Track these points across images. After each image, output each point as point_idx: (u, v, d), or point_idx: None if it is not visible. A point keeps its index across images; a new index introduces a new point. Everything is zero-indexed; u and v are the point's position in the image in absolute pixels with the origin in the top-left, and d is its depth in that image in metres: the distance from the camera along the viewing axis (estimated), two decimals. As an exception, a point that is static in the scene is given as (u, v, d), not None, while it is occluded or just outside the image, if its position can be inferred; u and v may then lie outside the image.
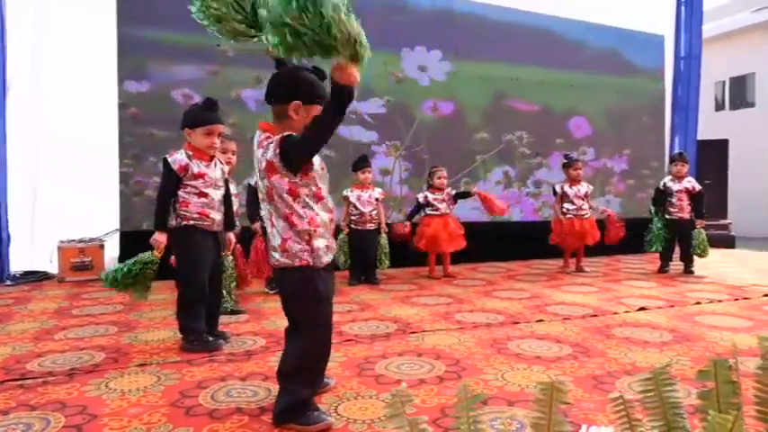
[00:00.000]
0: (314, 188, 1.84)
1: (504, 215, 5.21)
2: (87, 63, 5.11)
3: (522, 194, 6.67)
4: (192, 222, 2.70)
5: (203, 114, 2.71)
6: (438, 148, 6.13)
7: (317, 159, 1.84)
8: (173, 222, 2.70)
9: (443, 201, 5.08)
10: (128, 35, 5.00)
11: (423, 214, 5.13)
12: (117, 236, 5.09)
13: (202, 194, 2.73)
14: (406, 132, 6.04)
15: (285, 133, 1.80)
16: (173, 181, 2.68)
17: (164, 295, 4.09)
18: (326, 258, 1.85)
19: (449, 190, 5.15)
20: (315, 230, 1.82)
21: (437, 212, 5.06)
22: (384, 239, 4.82)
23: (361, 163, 4.75)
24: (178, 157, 2.69)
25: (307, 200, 1.83)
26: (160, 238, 2.65)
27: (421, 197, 5.14)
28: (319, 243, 1.83)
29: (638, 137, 7.36)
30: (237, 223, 3.80)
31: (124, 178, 4.98)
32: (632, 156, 7.30)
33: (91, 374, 2.34)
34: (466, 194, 5.16)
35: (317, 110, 1.80)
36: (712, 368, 1.00)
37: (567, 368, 2.40)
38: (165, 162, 2.69)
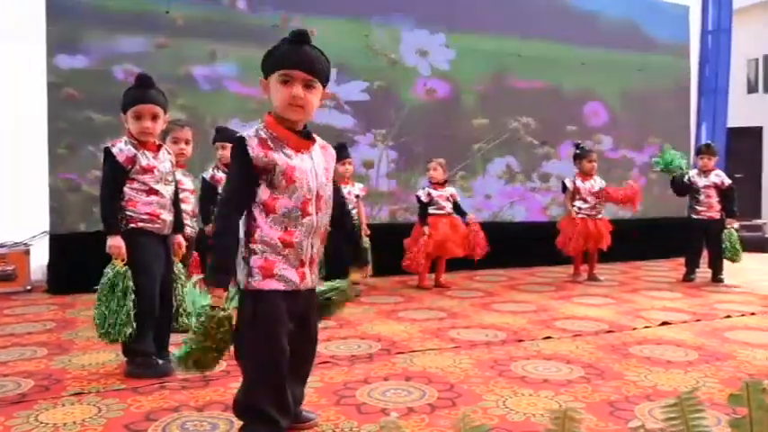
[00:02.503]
0: (264, 196, 1.82)
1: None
2: (9, 33, 5.03)
3: (527, 190, 6.73)
4: (140, 225, 2.69)
5: (133, 93, 2.71)
6: (429, 136, 6.16)
7: (281, 161, 1.82)
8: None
9: (448, 199, 5.14)
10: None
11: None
12: (46, 239, 5.03)
13: (152, 191, 2.72)
14: (393, 118, 6.06)
15: (239, 135, 1.86)
16: (118, 175, 2.66)
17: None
18: (258, 282, 1.81)
19: (453, 191, 5.22)
20: (249, 247, 1.83)
21: (442, 211, 5.10)
22: (366, 243, 4.83)
23: (341, 153, 4.73)
24: (123, 147, 2.67)
25: (253, 208, 1.83)
26: (116, 243, 2.61)
27: (423, 195, 5.15)
28: (257, 262, 1.82)
29: (659, 123, 7.48)
30: (194, 225, 3.80)
31: (55, 171, 4.92)
32: (652, 145, 7.41)
33: (17, 406, 2.31)
34: (460, 212, 5.20)
35: (276, 80, 1.83)
36: (744, 392, 1.03)
37: (579, 393, 2.44)
38: (108, 152, 2.66)
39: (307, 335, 1.97)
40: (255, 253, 1.82)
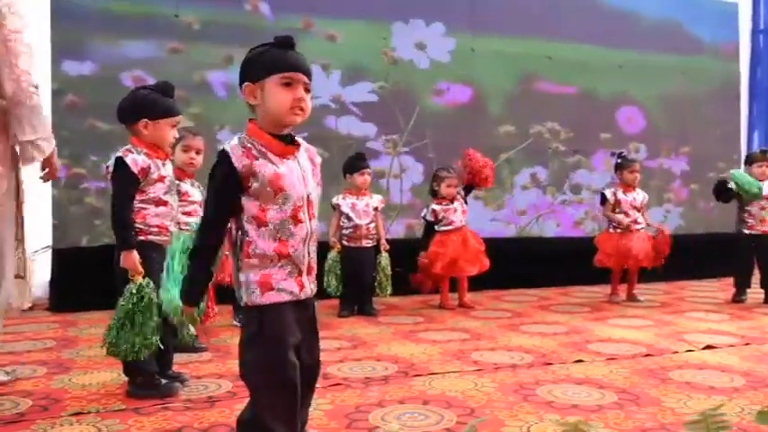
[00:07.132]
0: (253, 209, 1.86)
1: None
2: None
3: (557, 202, 6.71)
4: (149, 237, 2.74)
5: (167, 102, 2.78)
6: (448, 144, 6.18)
7: (267, 171, 1.86)
8: None
9: (456, 210, 5.12)
10: (65, 2, 5.08)
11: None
12: (49, 254, 5.13)
13: (161, 202, 2.78)
14: (408, 123, 6.11)
15: (221, 147, 1.93)
16: (132, 186, 2.70)
17: (104, 328, 4.12)
18: (258, 297, 1.86)
19: (460, 190, 5.19)
20: (244, 261, 1.88)
21: (451, 227, 5.08)
22: (385, 260, 4.86)
23: (359, 163, 4.81)
24: (136, 157, 2.70)
25: (244, 222, 1.87)
26: (133, 258, 2.61)
27: (428, 214, 5.13)
28: (254, 278, 1.87)
29: (703, 131, 7.41)
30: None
31: (58, 182, 5.03)
32: (695, 154, 7.35)
33: (14, 426, 2.37)
34: (469, 188, 5.22)
35: (276, 83, 1.89)
36: (774, 410, 1.04)
37: (611, 419, 2.44)
38: (121, 162, 2.67)
39: (309, 352, 1.99)
40: (251, 268, 1.87)
